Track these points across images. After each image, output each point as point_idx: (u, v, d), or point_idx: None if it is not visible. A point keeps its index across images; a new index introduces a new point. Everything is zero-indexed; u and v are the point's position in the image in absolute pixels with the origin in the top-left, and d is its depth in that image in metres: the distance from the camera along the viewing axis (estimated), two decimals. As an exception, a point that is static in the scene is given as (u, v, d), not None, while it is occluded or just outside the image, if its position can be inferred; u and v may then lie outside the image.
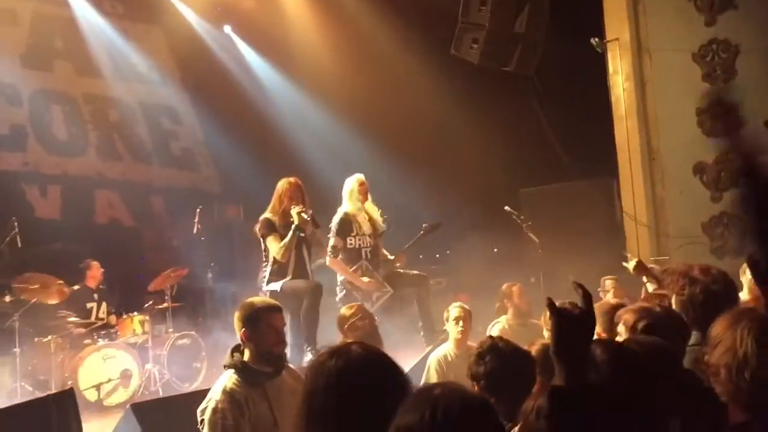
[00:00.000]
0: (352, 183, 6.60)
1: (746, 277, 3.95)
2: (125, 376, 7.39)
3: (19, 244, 7.79)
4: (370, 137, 10.08)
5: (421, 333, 6.72)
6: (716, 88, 7.73)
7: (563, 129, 9.01)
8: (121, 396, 7.28)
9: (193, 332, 8.06)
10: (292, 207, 6.02)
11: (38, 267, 8.08)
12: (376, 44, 10.19)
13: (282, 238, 6.04)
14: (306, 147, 10.61)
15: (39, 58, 10.75)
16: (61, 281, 7.69)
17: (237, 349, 3.45)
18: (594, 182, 8.82)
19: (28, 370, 7.29)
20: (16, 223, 7.73)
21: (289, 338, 6.04)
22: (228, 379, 3.34)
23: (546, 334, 3.80)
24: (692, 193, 7.99)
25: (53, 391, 6.69)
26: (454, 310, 5.54)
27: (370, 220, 6.64)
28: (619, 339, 2.71)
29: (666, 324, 2.67)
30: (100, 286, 8.27)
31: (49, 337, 7.40)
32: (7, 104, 10.37)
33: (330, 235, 6.48)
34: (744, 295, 3.79)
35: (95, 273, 8.25)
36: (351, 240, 6.52)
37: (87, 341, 7.57)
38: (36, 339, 7.43)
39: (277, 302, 3.66)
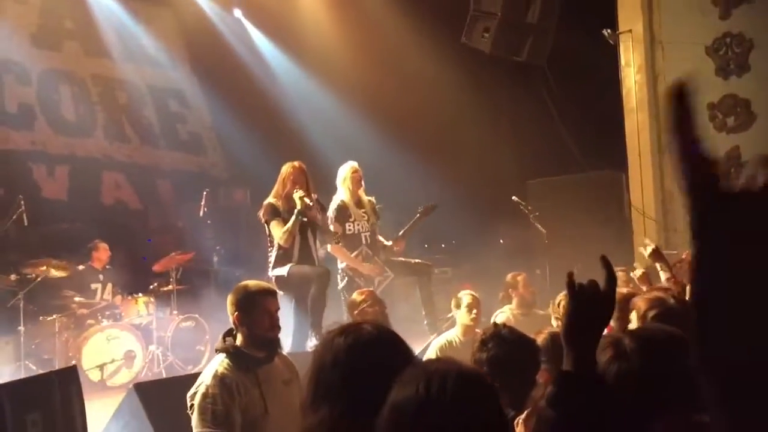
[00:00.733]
0: (345, 170, 6.61)
1: None
2: (129, 357, 7.41)
3: (26, 223, 7.79)
4: (378, 124, 10.05)
5: (425, 321, 6.70)
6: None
7: (573, 120, 8.95)
8: (125, 377, 7.30)
9: (197, 315, 8.06)
10: (294, 191, 5.98)
11: (44, 246, 8.10)
12: (387, 31, 10.14)
13: (285, 222, 6.00)
14: (314, 132, 10.58)
15: (49, 38, 10.74)
16: (66, 263, 7.71)
17: (229, 333, 3.37)
18: (603, 174, 8.77)
19: (32, 349, 7.32)
20: (22, 202, 7.73)
21: (293, 323, 6.08)
22: (219, 363, 3.27)
23: (554, 323, 3.77)
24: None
25: (57, 369, 6.71)
26: (466, 297, 5.53)
27: (365, 207, 6.64)
28: (631, 327, 2.68)
29: (678, 314, 2.63)
30: (106, 267, 8.27)
31: (54, 317, 7.42)
32: (16, 83, 10.37)
33: (329, 222, 6.46)
34: None
35: (101, 255, 8.25)
36: (350, 226, 6.51)
37: (91, 321, 7.58)
38: (41, 318, 7.45)
39: (270, 286, 3.60)
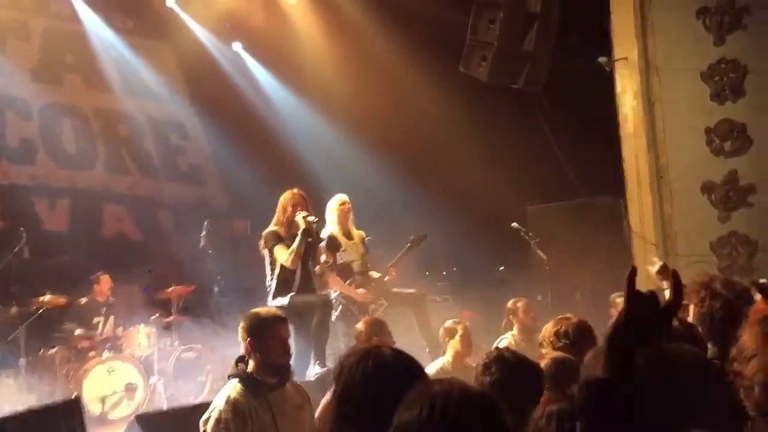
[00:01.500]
0: (334, 204, 6.73)
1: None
2: (130, 389, 7.37)
3: (27, 256, 7.80)
4: (377, 153, 10.11)
5: (427, 350, 6.68)
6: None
7: (571, 147, 9.01)
8: (126, 409, 7.26)
9: (198, 345, 8.04)
10: (297, 213, 6.00)
11: (45, 279, 8.10)
12: (385, 61, 10.24)
13: (289, 248, 6.01)
14: (313, 162, 10.63)
15: (49, 73, 10.84)
16: (67, 296, 7.72)
17: (242, 359, 3.43)
18: (602, 200, 8.80)
19: (33, 382, 7.27)
20: (24, 235, 7.74)
21: (293, 352, 6.07)
22: (232, 389, 3.33)
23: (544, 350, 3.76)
24: (700, 213, 7.96)
25: (58, 403, 6.67)
26: (459, 327, 5.59)
27: (354, 239, 6.70)
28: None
29: (680, 336, 2.63)
30: (109, 300, 8.26)
31: (55, 349, 7.41)
32: (17, 118, 10.44)
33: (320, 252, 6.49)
34: None
35: (103, 287, 8.25)
36: (341, 255, 6.58)
37: (92, 353, 7.56)
38: (41, 351, 7.44)
39: (282, 313, 3.65)
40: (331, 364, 5.43)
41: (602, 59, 8.42)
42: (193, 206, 11.79)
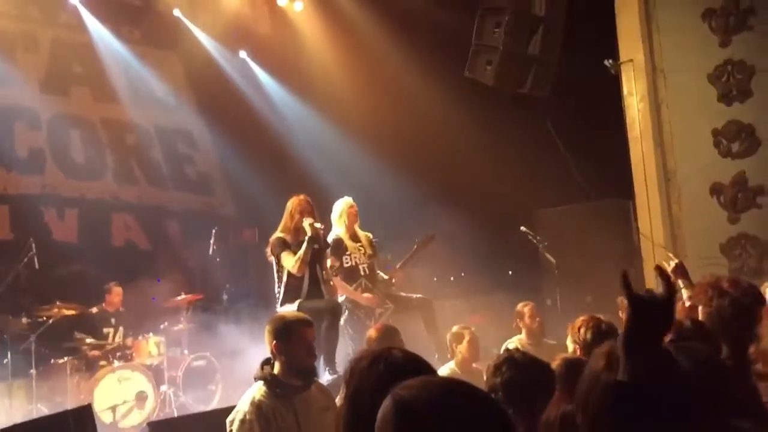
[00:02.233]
0: (341, 206, 6.71)
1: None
2: (140, 398, 7.38)
3: (37, 266, 7.83)
4: (384, 159, 10.12)
5: (436, 356, 6.66)
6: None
7: (578, 150, 9.00)
8: (136, 418, 7.28)
9: (208, 353, 8.05)
10: (303, 220, 6.01)
11: (55, 289, 8.12)
12: (391, 68, 10.26)
13: (296, 254, 6.02)
14: (321, 170, 10.64)
15: (58, 83, 10.90)
16: (77, 305, 7.75)
17: (267, 362, 3.48)
18: (610, 203, 8.78)
19: (44, 392, 7.31)
20: (33, 245, 7.77)
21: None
22: (257, 390, 3.38)
23: (570, 347, 3.75)
24: (709, 214, 7.92)
25: (69, 412, 6.68)
26: (466, 332, 5.60)
27: (361, 241, 6.69)
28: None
29: (695, 337, 2.62)
30: (119, 310, 8.29)
31: (65, 359, 7.43)
32: (26, 128, 10.50)
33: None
34: None
35: (114, 298, 8.28)
36: (347, 259, 6.56)
37: (102, 363, 7.58)
38: (52, 361, 7.46)
39: (307, 316, 3.67)
40: (341, 369, 5.43)
41: (608, 62, 8.40)
42: (201, 214, 11.83)
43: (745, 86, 7.78)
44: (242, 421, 3.27)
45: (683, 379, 1.54)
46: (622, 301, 6.30)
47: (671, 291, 1.48)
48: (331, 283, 6.52)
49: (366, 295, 6.57)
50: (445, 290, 9.57)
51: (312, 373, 3.52)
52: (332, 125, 11.05)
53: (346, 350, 6.19)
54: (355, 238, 6.70)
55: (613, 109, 8.47)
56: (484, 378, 2.95)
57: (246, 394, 3.42)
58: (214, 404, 7.71)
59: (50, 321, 7.50)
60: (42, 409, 7.01)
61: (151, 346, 7.94)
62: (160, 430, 4.40)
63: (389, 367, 1.84)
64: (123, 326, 8.25)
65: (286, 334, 3.43)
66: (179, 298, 8.18)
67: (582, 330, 3.58)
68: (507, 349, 3.03)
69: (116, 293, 8.30)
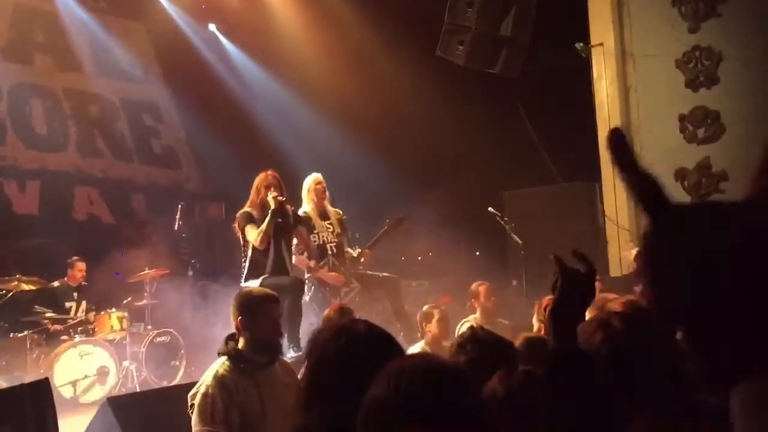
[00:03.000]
0: (309, 182, 6.68)
1: None
2: (102, 373, 7.30)
3: (-4, 238, 7.67)
4: (353, 136, 10.07)
5: (401, 334, 6.67)
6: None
7: (547, 132, 9.04)
8: (98, 393, 7.18)
9: (171, 330, 7.97)
10: (268, 194, 5.97)
11: (15, 262, 7.96)
12: (361, 43, 10.18)
13: (259, 227, 5.99)
14: (289, 145, 10.56)
15: (19, 52, 10.62)
16: (37, 279, 7.61)
17: (231, 337, 3.44)
18: (577, 185, 8.85)
19: (3, 366, 7.18)
20: (-8, 217, 7.61)
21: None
22: (220, 365, 3.35)
23: (536, 325, 3.79)
24: (673, 199, 8.02)
25: (28, 387, 6.57)
26: (436, 311, 5.59)
27: (330, 219, 6.67)
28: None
29: (652, 318, 2.63)
30: (82, 284, 8.15)
31: (25, 333, 7.30)
32: (-15, 97, 10.24)
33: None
34: None
35: (76, 273, 8.13)
36: (314, 237, 6.53)
37: (64, 337, 7.47)
38: (11, 335, 7.33)
39: (273, 292, 3.64)
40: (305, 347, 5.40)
41: (579, 45, 8.43)
42: (167, 189, 11.68)
43: (712, 73, 7.86)
44: (204, 395, 3.24)
45: (608, 347, 1.63)
46: (477, 287, 6.26)
47: (592, 270, 1.60)
48: (293, 261, 6.48)
49: (332, 273, 6.55)
50: (413, 270, 9.59)
51: (276, 350, 3.48)
52: (302, 101, 10.95)
53: (311, 328, 6.16)
54: (323, 215, 6.67)
55: (583, 92, 8.51)
56: None
57: (209, 369, 3.38)
58: (177, 380, 7.65)
59: (10, 294, 7.35)
60: (0, 384, 6.89)
61: (114, 321, 7.84)
62: (120, 405, 4.34)
63: (350, 338, 1.83)
64: (86, 300, 8.12)
65: (251, 310, 3.39)
66: (143, 273, 8.06)
67: (546, 306, 3.60)
68: (471, 327, 3.02)
69: (79, 268, 8.15)
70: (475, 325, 5.90)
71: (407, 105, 10.01)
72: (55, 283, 8.01)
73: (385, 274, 6.99)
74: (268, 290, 3.71)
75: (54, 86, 11.00)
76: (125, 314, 7.89)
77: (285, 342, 5.81)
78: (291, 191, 6.43)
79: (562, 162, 8.88)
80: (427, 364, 1.47)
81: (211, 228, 10.53)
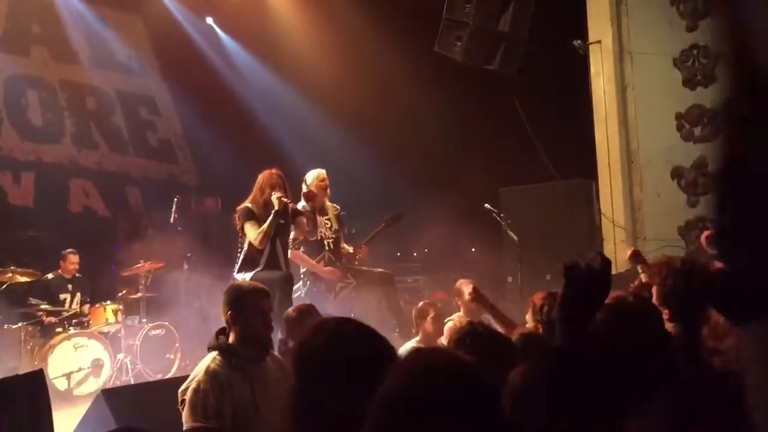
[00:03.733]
0: (312, 178, 6.63)
1: None
2: (96, 365, 7.28)
3: (-10, 230, 7.65)
4: (350, 131, 10.05)
5: (396, 330, 6.67)
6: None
7: (544, 129, 9.04)
8: (92, 385, 7.17)
9: (166, 323, 7.95)
10: (272, 194, 5.94)
11: (10, 254, 7.94)
12: (360, 38, 10.16)
13: (260, 225, 5.96)
14: (286, 140, 10.55)
15: (16, 43, 10.58)
16: (32, 270, 7.59)
17: (222, 331, 3.41)
18: (573, 183, 8.85)
19: (-3, 358, 7.16)
20: (-13, 208, 7.59)
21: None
22: (211, 360, 3.31)
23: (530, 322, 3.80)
24: (669, 197, 8.05)
25: (22, 379, 6.56)
26: (431, 308, 5.57)
27: (328, 214, 6.66)
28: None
29: (636, 313, 2.63)
30: (76, 276, 8.13)
31: (19, 324, 7.28)
32: (-19, 88, 10.20)
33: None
34: None
35: (69, 266, 8.10)
36: (312, 231, 6.52)
37: (58, 329, 7.45)
38: (6, 326, 7.30)
39: (264, 286, 3.61)
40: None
41: (577, 42, 8.43)
42: (162, 182, 11.66)
43: (709, 71, 7.87)
44: (196, 390, 3.19)
45: (609, 347, 1.61)
46: (460, 285, 6.18)
47: (607, 266, 1.55)
48: (289, 256, 6.46)
49: (328, 268, 6.54)
50: (408, 266, 9.60)
51: (267, 345, 3.45)
52: (299, 95, 10.93)
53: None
54: (322, 211, 6.65)
55: (580, 90, 8.52)
56: None
57: (200, 364, 3.33)
58: (171, 373, 7.64)
59: (4, 286, 7.33)
60: (-6, 375, 6.88)
61: (109, 313, 7.82)
62: (114, 398, 4.32)
63: (338, 338, 1.81)
64: (80, 293, 8.10)
65: (241, 304, 3.36)
66: (138, 266, 8.04)
67: (540, 305, 3.62)
68: (470, 322, 3.02)
69: (71, 261, 8.12)
70: (457, 324, 5.91)
71: (404, 101, 10.00)
72: (50, 275, 7.98)
73: (380, 270, 6.99)
74: (258, 284, 3.67)
75: (50, 78, 10.96)
76: (120, 307, 7.87)
77: (275, 336, 5.83)
78: (288, 185, 6.40)
79: (558, 159, 8.88)
80: (442, 359, 1.45)
81: (206, 221, 10.49)
